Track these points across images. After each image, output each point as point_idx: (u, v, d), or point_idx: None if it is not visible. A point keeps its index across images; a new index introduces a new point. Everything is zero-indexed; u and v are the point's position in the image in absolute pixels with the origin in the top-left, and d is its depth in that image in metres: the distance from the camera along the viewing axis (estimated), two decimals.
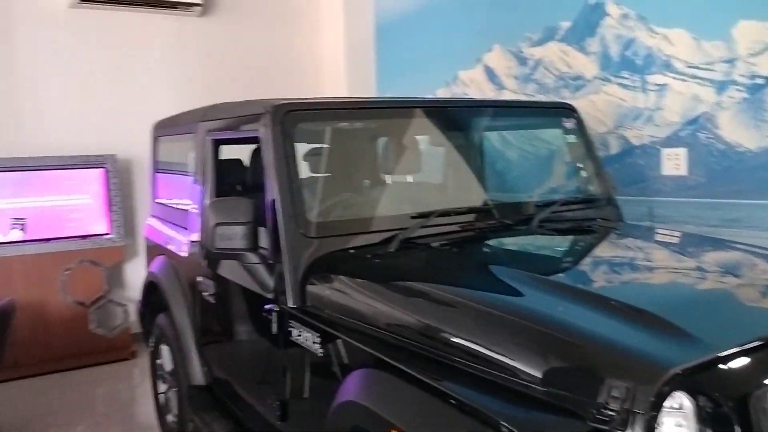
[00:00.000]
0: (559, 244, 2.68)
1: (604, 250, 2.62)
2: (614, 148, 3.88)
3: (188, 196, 3.31)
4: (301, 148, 2.75)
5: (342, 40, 6.30)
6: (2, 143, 5.21)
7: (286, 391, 2.35)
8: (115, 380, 4.94)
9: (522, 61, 4.51)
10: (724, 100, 3.35)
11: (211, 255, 2.45)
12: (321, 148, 2.79)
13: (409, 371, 1.72)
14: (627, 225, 2.96)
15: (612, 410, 1.37)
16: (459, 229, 2.52)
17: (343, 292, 2.13)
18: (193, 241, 3.20)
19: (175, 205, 3.69)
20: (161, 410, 3.81)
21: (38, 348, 5.00)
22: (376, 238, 2.35)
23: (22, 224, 5.08)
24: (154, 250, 3.92)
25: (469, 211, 2.63)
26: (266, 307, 2.37)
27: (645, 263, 2.42)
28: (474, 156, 3.32)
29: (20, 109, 5.32)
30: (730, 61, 3.31)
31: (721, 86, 3.36)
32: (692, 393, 1.41)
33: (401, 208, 2.67)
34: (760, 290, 2.02)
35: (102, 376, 5.00)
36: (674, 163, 3.56)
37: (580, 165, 3.13)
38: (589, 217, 2.87)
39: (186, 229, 3.33)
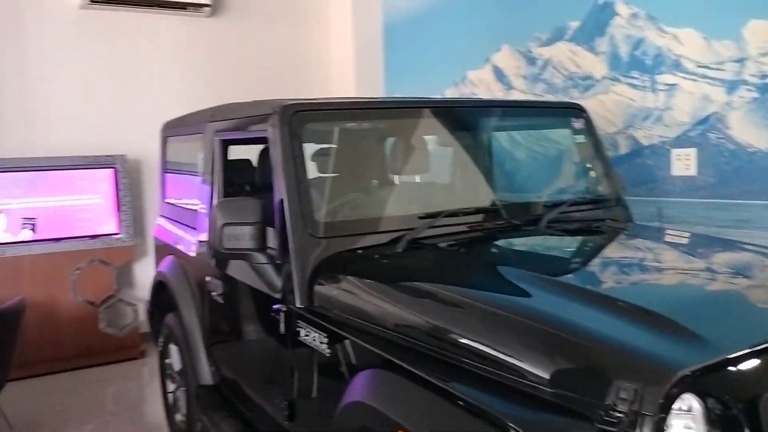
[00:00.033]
0: (567, 245, 2.67)
1: (613, 251, 2.60)
2: (623, 149, 3.87)
3: (197, 196, 3.32)
4: (309, 149, 2.75)
5: (350, 40, 6.30)
6: (13, 143, 5.25)
7: (294, 391, 2.35)
8: (124, 379, 4.96)
9: (531, 61, 4.50)
10: (734, 100, 3.33)
11: (219, 255, 2.46)
12: (329, 148, 2.80)
13: (417, 372, 1.72)
14: (636, 226, 2.94)
15: (620, 412, 1.36)
16: (467, 229, 2.52)
17: (351, 293, 2.13)
18: (201, 241, 3.21)
19: (184, 205, 3.70)
20: (170, 409, 3.82)
21: (48, 347, 5.04)
22: (383, 238, 2.35)
23: (33, 224, 5.12)
24: (163, 249, 3.94)
25: (477, 211, 2.63)
26: (274, 307, 2.37)
27: (654, 264, 2.41)
28: (482, 156, 3.31)
29: (30, 110, 5.36)
30: (741, 61, 3.29)
31: (731, 86, 3.34)
32: (701, 395, 1.40)
33: (409, 208, 2.67)
34: None
35: (111, 375, 5.02)
36: (684, 163, 3.54)
37: (589, 165, 3.11)
38: (598, 218, 2.86)
39: (195, 229, 3.34)
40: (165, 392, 3.90)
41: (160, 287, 3.78)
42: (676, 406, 1.37)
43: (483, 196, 3.14)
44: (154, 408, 4.28)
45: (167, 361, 3.77)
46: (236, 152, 3.36)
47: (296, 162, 2.35)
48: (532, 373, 1.55)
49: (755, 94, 3.25)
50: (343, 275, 2.19)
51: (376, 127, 3.06)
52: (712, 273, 2.27)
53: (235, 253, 2.38)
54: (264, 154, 3.23)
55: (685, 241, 2.75)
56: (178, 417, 3.63)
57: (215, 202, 2.95)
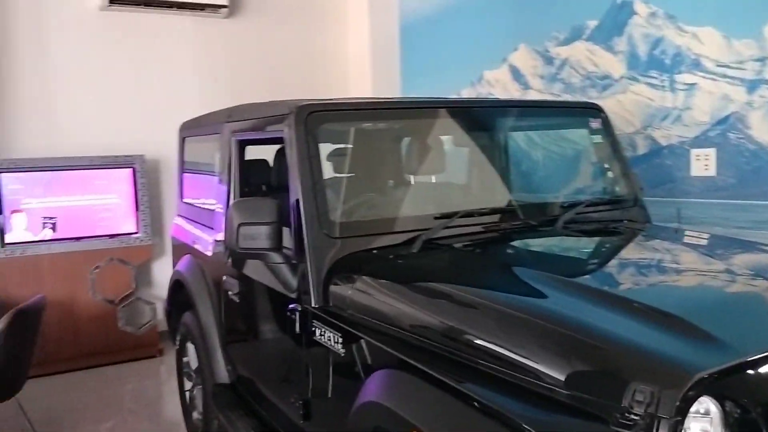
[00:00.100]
0: (584, 246, 2.65)
1: (630, 252, 2.58)
2: (642, 149, 3.83)
3: (214, 195, 3.34)
4: (325, 149, 2.75)
5: (367, 41, 6.31)
6: (34, 143, 5.32)
7: (309, 390, 2.36)
8: (142, 377, 5.01)
9: (548, 60, 4.48)
10: (755, 99, 3.29)
11: (235, 254, 2.47)
12: (345, 148, 2.80)
13: (432, 372, 1.71)
14: (654, 226, 2.91)
15: (636, 414, 1.35)
16: (483, 229, 2.51)
17: (366, 293, 2.13)
18: (218, 241, 3.23)
19: (201, 205, 3.73)
20: (187, 408, 3.85)
21: (67, 345, 5.09)
22: (399, 238, 2.35)
23: (53, 223, 5.18)
24: (181, 249, 3.97)
25: (493, 211, 2.62)
26: (290, 306, 2.38)
27: (672, 266, 2.38)
28: (498, 156, 3.30)
29: (50, 110, 5.43)
30: (762, 60, 3.25)
31: (751, 85, 3.30)
32: (719, 398, 1.38)
33: (425, 208, 2.67)
34: None
35: (130, 373, 5.07)
36: (703, 163, 3.51)
37: (606, 165, 3.09)
38: (616, 219, 2.84)
39: (212, 228, 3.36)
40: (182, 390, 3.93)
41: (177, 286, 3.81)
42: (693, 409, 1.35)
43: (499, 196, 3.12)
44: (171, 406, 4.31)
45: (184, 359, 3.80)
46: (253, 152, 3.37)
47: (312, 162, 2.35)
48: (547, 374, 1.54)
49: None
50: (359, 275, 2.19)
51: (391, 127, 3.06)
52: (731, 275, 2.25)
53: (251, 253, 2.39)
54: (280, 154, 3.24)
55: (703, 242, 2.72)
56: (195, 415, 3.66)
57: (232, 201, 2.97)
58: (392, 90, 5.91)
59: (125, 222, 5.41)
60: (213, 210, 3.35)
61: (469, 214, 2.49)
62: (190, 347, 3.63)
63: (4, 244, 4.97)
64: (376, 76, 6.24)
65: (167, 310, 4.11)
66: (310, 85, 6.25)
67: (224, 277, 3.12)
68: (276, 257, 2.40)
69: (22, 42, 5.32)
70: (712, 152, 3.47)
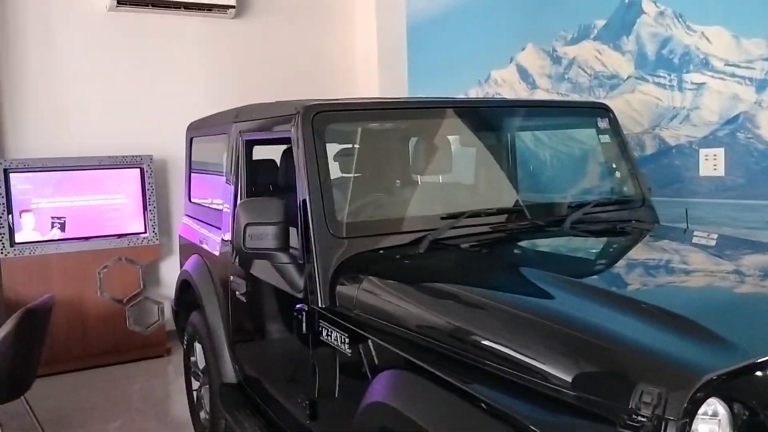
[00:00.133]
0: (592, 246, 2.64)
1: (638, 253, 2.57)
2: (650, 149, 3.82)
3: (221, 195, 3.35)
4: (332, 149, 2.76)
5: (374, 41, 6.31)
6: (42, 143, 5.36)
7: (316, 390, 2.36)
8: (150, 377, 5.02)
9: (556, 60, 4.47)
10: (764, 99, 3.27)
11: (242, 254, 2.47)
12: (351, 148, 2.80)
13: (438, 373, 1.71)
14: (662, 227, 2.90)
15: (643, 416, 1.34)
16: (490, 230, 2.51)
17: (373, 293, 2.13)
18: (225, 241, 3.23)
19: (208, 205, 3.74)
20: (195, 407, 3.86)
21: (76, 344, 5.12)
22: (406, 238, 2.35)
23: (62, 223, 5.20)
24: (188, 249, 3.98)
25: (500, 211, 2.61)
26: (296, 306, 2.38)
27: (680, 266, 2.37)
28: (506, 156, 3.29)
29: (59, 111, 5.46)
30: None
31: (761, 85, 3.28)
32: (727, 400, 1.37)
33: (431, 208, 2.66)
34: None
35: (138, 372, 5.09)
36: (712, 163, 3.49)
37: (614, 166, 3.08)
38: (624, 219, 2.82)
39: (219, 228, 3.37)
40: (190, 390, 3.94)
41: (185, 286, 3.82)
42: (701, 410, 1.34)
43: (506, 196, 3.12)
44: (179, 405, 4.33)
45: (192, 359, 3.81)
46: (260, 152, 3.38)
47: (319, 162, 2.35)
48: (554, 375, 1.53)
49: None
50: (365, 275, 2.19)
51: (398, 127, 3.06)
52: (739, 275, 2.23)
53: (258, 253, 2.40)
54: (287, 155, 3.25)
55: (712, 242, 2.70)
56: (203, 414, 3.67)
57: (239, 201, 2.97)
58: (399, 90, 5.91)
59: (133, 222, 5.43)
60: (220, 210, 3.36)
61: (476, 215, 2.49)
62: (198, 347, 3.64)
63: (13, 244, 5.00)
64: (383, 76, 6.24)
65: (175, 310, 4.13)
66: (317, 85, 6.26)
67: (231, 277, 3.12)
68: (283, 257, 2.40)
69: (31, 43, 5.35)
70: (720, 152, 3.45)
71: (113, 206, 5.38)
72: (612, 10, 4.03)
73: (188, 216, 4.17)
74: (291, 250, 2.39)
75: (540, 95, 4.60)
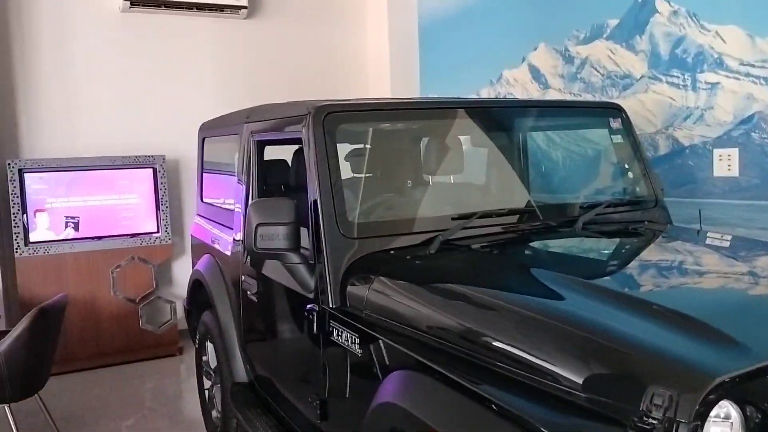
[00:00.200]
0: (604, 247, 2.63)
1: (650, 254, 2.55)
2: (663, 149, 3.79)
3: (233, 196, 3.36)
4: (343, 149, 2.76)
5: (386, 41, 6.31)
6: (57, 144, 5.41)
7: (326, 390, 2.37)
8: (162, 376, 5.05)
9: (568, 59, 4.44)
10: None
11: (253, 254, 2.48)
12: (362, 148, 2.80)
13: (449, 374, 1.71)
14: (675, 228, 2.88)
15: (654, 418, 1.33)
16: (501, 230, 2.50)
17: (383, 294, 2.13)
18: (237, 241, 3.24)
19: (220, 205, 3.75)
20: (206, 406, 3.88)
21: (89, 343, 5.16)
22: (416, 239, 2.35)
23: (76, 222, 5.24)
24: (200, 248, 4.00)
25: (511, 212, 2.60)
26: (307, 306, 2.39)
27: (693, 268, 2.35)
28: (517, 157, 3.28)
29: (73, 111, 5.51)
30: None
31: None
32: (739, 402, 1.36)
33: (442, 209, 2.66)
34: None
35: (150, 371, 5.12)
36: (726, 163, 3.46)
37: (627, 166, 3.06)
38: (636, 220, 2.81)
39: (231, 228, 3.39)
40: (201, 389, 3.96)
41: (197, 285, 3.84)
42: (713, 413, 1.33)
43: (518, 197, 3.11)
44: (191, 404, 4.35)
45: (204, 358, 3.83)
46: (272, 153, 3.39)
47: (330, 163, 2.36)
48: (565, 377, 1.53)
49: None
50: (376, 276, 2.18)
51: (409, 127, 3.06)
52: (753, 277, 2.21)
53: (269, 253, 2.40)
54: (298, 155, 3.26)
55: (725, 243, 2.68)
56: (214, 413, 3.68)
57: (250, 202, 2.98)
58: (411, 90, 5.90)
59: (146, 221, 5.47)
60: (232, 210, 3.37)
61: (487, 215, 2.48)
62: (210, 346, 3.65)
63: (27, 243, 5.05)
64: (394, 77, 6.24)
65: (187, 309, 4.15)
66: (328, 86, 6.27)
67: (243, 277, 3.14)
68: (294, 257, 2.40)
69: (45, 44, 5.40)
70: (735, 152, 3.42)
71: (126, 206, 5.42)
72: (625, 9, 4.00)
73: (200, 216, 4.19)
74: (302, 251, 2.39)
75: (552, 95, 4.58)
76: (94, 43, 5.55)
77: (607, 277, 2.27)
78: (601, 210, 2.70)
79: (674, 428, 1.31)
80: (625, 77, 4.03)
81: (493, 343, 1.73)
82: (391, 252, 2.30)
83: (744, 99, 3.38)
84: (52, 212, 5.18)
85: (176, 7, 5.67)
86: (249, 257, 2.98)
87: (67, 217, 5.22)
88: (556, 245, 2.53)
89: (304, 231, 2.38)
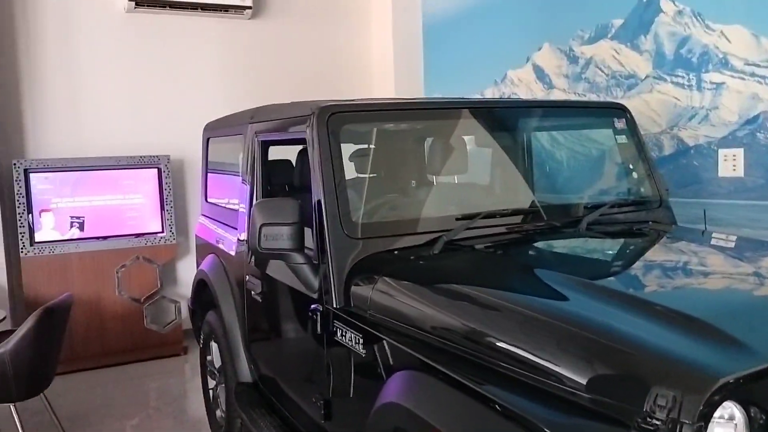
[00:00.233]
0: (608, 248, 2.62)
1: (654, 255, 2.54)
2: (668, 149, 3.78)
3: (237, 196, 3.37)
4: (347, 149, 2.76)
5: (390, 41, 6.31)
6: (62, 144, 5.42)
7: (330, 390, 2.37)
8: (167, 375, 5.06)
9: (573, 59, 4.44)
10: None
11: (257, 254, 2.49)
12: (367, 149, 2.80)
13: (452, 374, 1.71)
14: (680, 228, 2.87)
15: (658, 419, 1.33)
16: (505, 231, 2.49)
17: (387, 294, 2.13)
18: (241, 241, 3.25)
19: (224, 205, 3.76)
20: (210, 406, 3.88)
21: (94, 342, 5.18)
22: (420, 239, 2.35)
23: (81, 222, 5.26)
24: (205, 248, 4.00)
25: (515, 212, 2.60)
26: (311, 307, 2.39)
27: (697, 268, 2.35)
28: (522, 157, 3.28)
29: (79, 112, 5.52)
30: None
31: None
32: (743, 403, 1.36)
33: (446, 209, 2.66)
34: None
35: (155, 370, 5.13)
36: (731, 164, 3.45)
37: (631, 166, 3.05)
38: (641, 220, 2.80)
39: (235, 228, 3.39)
40: (206, 388, 3.97)
41: (201, 285, 3.85)
42: (717, 414, 1.33)
43: (522, 197, 3.11)
44: (195, 404, 4.36)
45: (208, 357, 3.83)
46: (276, 153, 3.39)
47: (334, 163, 2.36)
48: (568, 377, 1.53)
49: None
50: (380, 276, 2.19)
51: (413, 127, 3.06)
52: (758, 278, 2.20)
53: (273, 253, 2.41)
54: (303, 155, 3.26)
55: (730, 244, 2.67)
56: (219, 413, 3.69)
57: (254, 202, 2.99)
58: (415, 90, 5.90)
59: (151, 221, 5.48)
60: (236, 210, 3.38)
61: (491, 215, 2.48)
62: (214, 346, 3.66)
63: (33, 243, 5.07)
64: (398, 77, 6.24)
65: (191, 309, 4.16)
66: (333, 86, 6.28)
67: (247, 277, 3.14)
68: (298, 258, 2.41)
69: (51, 45, 5.41)
70: (740, 152, 3.41)
71: (131, 206, 5.43)
72: (630, 9, 4.00)
73: (204, 216, 4.19)
74: (306, 251, 2.40)
75: (557, 95, 4.57)
76: (99, 44, 5.57)
77: (612, 278, 2.26)
78: (606, 210, 2.70)
79: (678, 429, 1.31)
80: (630, 77, 4.03)
81: (497, 344, 1.73)
82: (395, 252, 2.30)
83: (749, 99, 3.37)
84: (57, 212, 5.19)
85: (181, 8, 5.68)
86: (253, 257, 2.98)
87: (72, 217, 5.24)
88: (560, 246, 2.53)
89: (308, 231, 2.38)
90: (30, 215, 5.08)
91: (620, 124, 3.04)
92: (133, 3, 5.45)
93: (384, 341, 2.02)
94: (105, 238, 5.29)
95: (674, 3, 3.73)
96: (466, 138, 3.03)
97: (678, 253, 2.57)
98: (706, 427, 1.31)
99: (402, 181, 3.08)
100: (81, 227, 5.26)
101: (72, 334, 4.79)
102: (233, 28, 6.04)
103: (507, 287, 2.04)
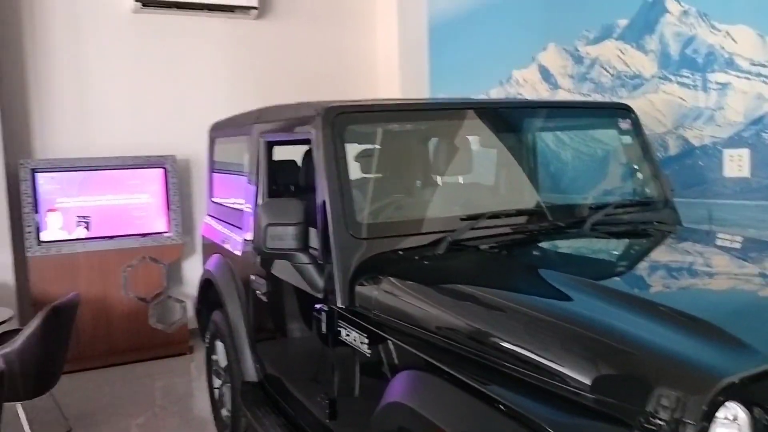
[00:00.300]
0: (612, 248, 2.62)
1: (659, 255, 2.54)
2: (673, 149, 3.78)
3: (243, 196, 3.38)
4: (353, 150, 2.77)
5: (396, 42, 6.32)
6: (69, 144, 5.45)
7: (335, 389, 2.38)
8: (173, 374, 5.08)
9: (578, 59, 4.44)
10: None
11: (262, 254, 2.50)
12: (372, 149, 2.81)
13: (456, 374, 1.72)
14: (685, 228, 2.87)
15: (661, 419, 1.34)
16: (510, 231, 2.50)
17: (392, 294, 2.14)
18: (246, 240, 3.26)
19: (230, 205, 3.77)
20: (216, 405, 3.90)
21: (101, 341, 5.20)
22: (425, 239, 2.35)
23: (87, 222, 5.28)
24: (210, 248, 4.02)
25: (520, 213, 2.60)
26: (316, 306, 2.40)
27: (702, 269, 2.35)
28: (526, 157, 3.28)
29: (85, 112, 5.55)
30: None
31: None
32: (747, 404, 1.36)
33: (451, 209, 2.66)
34: None
35: (160, 369, 5.15)
36: (737, 164, 3.44)
37: (636, 166, 3.05)
38: (645, 221, 2.80)
39: (240, 228, 3.41)
40: (211, 388, 3.98)
41: (207, 285, 3.86)
42: (720, 414, 1.34)
43: (527, 197, 3.11)
44: (201, 403, 4.38)
45: (214, 357, 3.85)
46: (281, 153, 3.40)
47: (339, 163, 2.37)
48: (572, 378, 1.53)
49: None
50: (384, 276, 2.19)
51: (418, 128, 3.06)
52: (763, 279, 2.20)
53: (279, 253, 2.42)
54: (308, 155, 3.27)
55: (735, 245, 2.67)
56: (224, 412, 3.70)
57: (260, 202, 3.00)
58: (421, 90, 5.90)
59: (157, 221, 5.50)
60: (242, 210, 3.39)
61: (495, 216, 2.48)
62: (220, 345, 3.67)
63: (39, 243, 5.09)
64: (404, 77, 6.25)
65: (197, 309, 4.17)
66: (338, 86, 6.29)
67: (252, 277, 3.15)
68: (303, 258, 2.42)
69: (57, 45, 5.44)
70: (745, 153, 3.41)
71: (137, 205, 5.45)
72: (635, 9, 3.99)
73: (210, 216, 4.21)
74: (311, 251, 2.41)
75: (562, 95, 4.57)
76: (106, 44, 5.59)
77: (616, 278, 2.26)
78: (610, 211, 2.70)
79: (681, 429, 1.31)
80: (635, 77, 4.02)
81: (501, 344, 1.73)
82: (400, 252, 2.31)
83: (755, 99, 3.37)
84: (63, 212, 5.22)
85: (187, 8, 5.70)
86: (259, 257, 2.99)
87: (78, 217, 5.26)
88: (565, 246, 2.53)
89: (313, 231, 2.39)
90: (37, 215, 5.10)
91: (625, 124, 3.04)
92: (140, 3, 5.48)
93: (388, 341, 2.03)
94: (111, 237, 5.31)
95: (680, 3, 3.72)
96: (470, 138, 3.04)
97: (683, 253, 2.57)
98: (709, 428, 1.32)
99: (407, 181, 3.09)
100: (87, 227, 5.28)
101: (78, 333, 4.81)
102: (239, 29, 6.06)
103: (511, 288, 2.04)
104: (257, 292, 3.11)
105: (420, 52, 5.94)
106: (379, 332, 2.08)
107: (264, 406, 3.12)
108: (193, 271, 5.70)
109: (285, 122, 2.93)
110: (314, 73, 6.28)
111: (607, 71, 4.22)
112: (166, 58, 5.79)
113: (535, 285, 2.06)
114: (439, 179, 3.15)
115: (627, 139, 3.05)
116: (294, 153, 3.47)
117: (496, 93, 5.10)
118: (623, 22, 4.08)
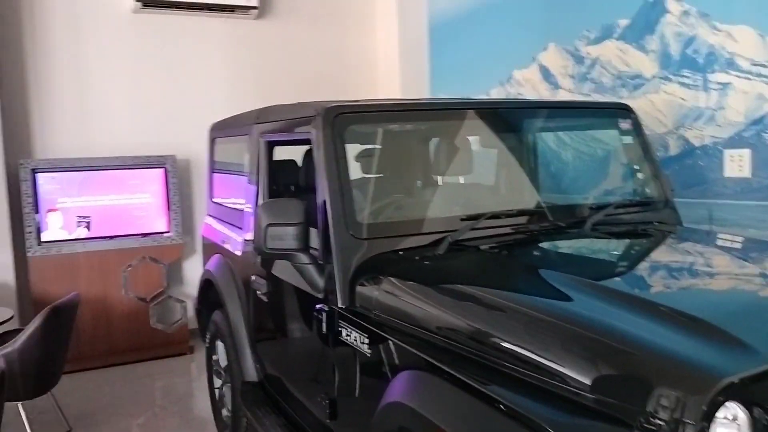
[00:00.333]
0: (612, 248, 2.62)
1: (659, 255, 2.54)
2: (674, 149, 3.77)
3: (243, 196, 3.38)
4: (353, 150, 2.77)
5: (396, 41, 6.32)
6: (69, 144, 5.45)
7: (335, 389, 2.38)
8: (173, 374, 5.08)
9: (578, 59, 4.44)
10: None
11: (263, 255, 2.51)
12: (372, 149, 2.81)
13: (457, 374, 1.72)
14: (685, 229, 2.87)
15: (661, 419, 1.34)
16: (510, 231, 2.50)
17: (392, 294, 2.13)
18: (247, 241, 3.26)
19: (230, 205, 3.77)
20: (217, 405, 3.90)
21: (101, 341, 5.20)
22: (425, 239, 2.35)
23: (87, 222, 5.29)
24: (211, 248, 4.02)
25: (520, 213, 2.60)
26: (316, 306, 2.40)
27: (702, 269, 2.34)
28: (527, 157, 3.28)
29: (86, 112, 5.55)
30: None
31: None
32: (747, 404, 1.36)
33: (452, 210, 2.66)
34: None
35: (161, 369, 5.15)
36: (737, 164, 3.44)
37: (636, 167, 3.05)
38: (646, 221, 2.80)
39: (241, 228, 3.41)
40: (212, 388, 3.98)
41: (207, 285, 3.86)
42: (720, 414, 1.33)
43: (527, 197, 3.11)
44: (201, 403, 4.38)
45: (214, 357, 3.85)
46: (281, 153, 3.40)
47: (339, 163, 2.37)
48: (572, 378, 1.53)
49: None
50: (385, 276, 2.19)
51: (419, 128, 3.06)
52: (763, 279, 2.20)
53: (279, 253, 2.42)
54: (308, 156, 3.27)
55: (736, 245, 2.67)
56: (225, 412, 3.70)
57: (260, 202, 3.00)
58: (421, 90, 5.91)
59: (157, 221, 5.51)
60: (242, 210, 3.39)
61: (496, 216, 2.48)
62: (220, 345, 3.68)
63: (40, 243, 5.09)
64: (404, 77, 6.25)
65: (197, 309, 4.17)
66: (339, 86, 6.29)
67: (253, 277, 3.15)
68: (303, 258, 2.42)
69: (58, 45, 5.44)
70: (746, 153, 3.41)
71: (137, 206, 5.46)
72: (636, 9, 3.99)
73: (210, 216, 4.21)
74: (311, 251, 2.41)
75: (562, 95, 4.57)
76: (106, 44, 5.59)
77: (616, 279, 2.26)
78: (611, 211, 2.70)
79: (681, 429, 1.31)
80: (636, 77, 4.02)
81: (502, 344, 1.73)
82: (400, 252, 2.31)
83: (755, 99, 3.37)
84: (64, 212, 5.22)
85: (187, 8, 5.70)
86: (259, 257, 2.99)
87: (79, 217, 5.26)
88: (565, 246, 2.53)
89: (313, 231, 2.39)
90: (37, 215, 5.10)
91: (625, 124, 3.04)
92: (140, 3, 5.48)
93: (389, 341, 2.03)
94: (111, 237, 5.31)
95: (680, 3, 3.72)
96: (471, 138, 3.04)
97: (683, 254, 2.57)
98: (709, 428, 1.32)
99: (407, 181, 3.09)
100: (88, 227, 5.28)
101: (79, 333, 4.81)
102: (239, 29, 6.06)
103: (512, 288, 2.04)
104: (257, 292, 3.11)
105: (420, 52, 5.94)
106: (380, 332, 2.08)
107: (264, 406, 3.12)
108: (193, 271, 5.70)
109: (285, 122, 2.93)
110: (314, 73, 6.28)
111: (608, 71, 4.22)
112: (166, 58, 5.80)
113: (535, 285, 2.06)
114: (439, 179, 3.15)
115: (627, 139, 3.05)
116: (294, 153, 3.47)
117: (496, 93, 5.10)
118: (624, 22, 4.08)
